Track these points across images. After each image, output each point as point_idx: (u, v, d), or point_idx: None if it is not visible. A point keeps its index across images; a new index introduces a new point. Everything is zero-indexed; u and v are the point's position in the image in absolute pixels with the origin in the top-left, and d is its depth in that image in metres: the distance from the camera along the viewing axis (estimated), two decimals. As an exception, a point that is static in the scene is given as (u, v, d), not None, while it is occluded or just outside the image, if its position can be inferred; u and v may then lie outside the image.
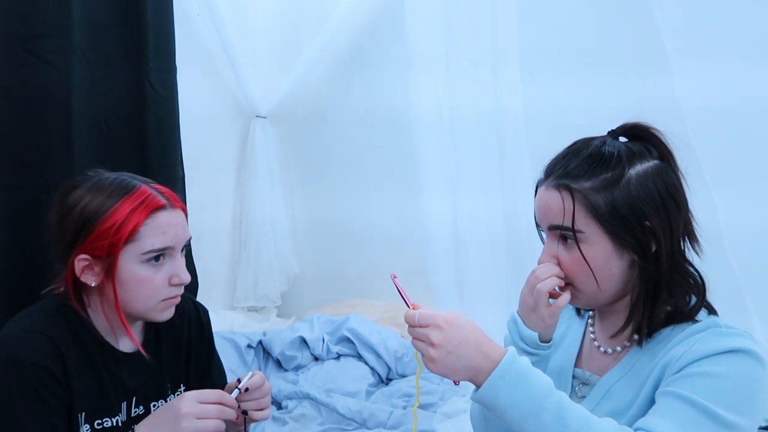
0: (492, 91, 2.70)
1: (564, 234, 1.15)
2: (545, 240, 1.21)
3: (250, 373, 1.36)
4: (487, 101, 2.70)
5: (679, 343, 1.11)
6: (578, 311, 1.33)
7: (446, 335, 1.03)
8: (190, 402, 1.24)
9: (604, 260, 1.14)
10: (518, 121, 2.70)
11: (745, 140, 2.34)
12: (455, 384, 1.07)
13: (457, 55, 2.71)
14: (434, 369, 1.05)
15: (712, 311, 1.17)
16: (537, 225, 1.24)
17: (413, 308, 1.09)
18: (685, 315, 1.14)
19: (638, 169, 1.14)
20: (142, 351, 1.37)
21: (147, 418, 1.31)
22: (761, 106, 2.25)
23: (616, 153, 1.15)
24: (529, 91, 2.71)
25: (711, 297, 1.18)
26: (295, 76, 3.44)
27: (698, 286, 1.17)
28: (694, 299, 1.17)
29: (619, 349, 1.21)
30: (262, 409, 1.36)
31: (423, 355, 1.06)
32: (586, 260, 1.13)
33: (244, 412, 1.34)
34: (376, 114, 3.39)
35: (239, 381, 1.34)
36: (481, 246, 2.73)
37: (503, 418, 1.04)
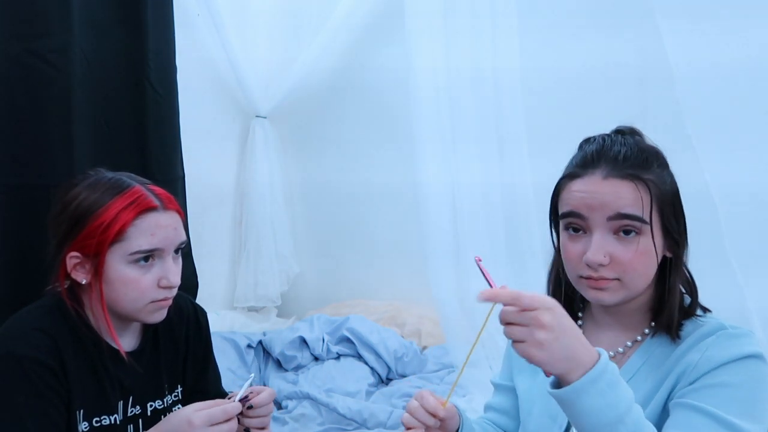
0: (489, 54, 2.69)
1: (629, 226, 1.10)
2: (594, 232, 1.12)
3: (249, 378, 1.35)
4: (485, 68, 2.69)
5: (691, 348, 1.11)
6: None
7: (557, 318, 0.96)
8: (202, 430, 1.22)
9: (656, 255, 1.13)
10: (515, 87, 2.68)
11: (735, 99, 2.35)
12: (546, 376, 0.99)
13: (454, 17, 2.70)
14: (537, 356, 0.96)
15: (705, 310, 1.18)
16: (574, 216, 1.14)
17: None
18: (683, 311, 1.15)
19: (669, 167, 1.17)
20: (124, 354, 1.36)
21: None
22: (753, 65, 2.25)
23: (655, 150, 1.16)
24: (526, 55, 2.69)
25: (708, 291, 1.19)
26: (295, 76, 3.44)
27: (691, 286, 1.18)
28: (687, 299, 1.18)
29: (620, 350, 1.20)
30: (263, 428, 1.35)
31: (525, 341, 0.96)
32: (657, 254, 1.11)
33: (246, 430, 1.33)
34: (375, 114, 3.40)
35: (234, 396, 1.33)
36: (478, 216, 2.73)
37: (576, 420, 1.00)
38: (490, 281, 1.03)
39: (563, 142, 1.22)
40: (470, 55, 2.70)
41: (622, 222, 1.11)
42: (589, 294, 1.16)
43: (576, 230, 1.15)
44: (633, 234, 1.11)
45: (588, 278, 1.14)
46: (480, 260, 1.08)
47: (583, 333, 1.25)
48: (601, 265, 1.11)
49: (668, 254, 1.15)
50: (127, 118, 2.26)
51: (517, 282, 2.58)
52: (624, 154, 1.13)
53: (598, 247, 1.11)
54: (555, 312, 0.97)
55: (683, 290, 1.18)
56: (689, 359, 1.10)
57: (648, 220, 1.11)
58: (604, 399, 0.96)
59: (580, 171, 1.15)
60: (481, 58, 2.70)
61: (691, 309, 1.16)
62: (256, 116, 3.56)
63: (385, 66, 3.26)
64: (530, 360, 0.97)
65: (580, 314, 1.29)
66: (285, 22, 3.55)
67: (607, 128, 1.22)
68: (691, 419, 1.05)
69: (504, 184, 2.70)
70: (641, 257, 1.11)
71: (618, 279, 1.12)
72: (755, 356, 1.08)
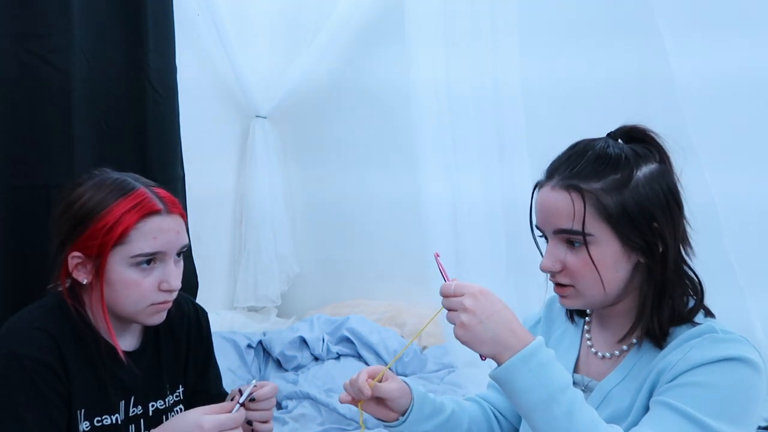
0: (491, 66, 2.68)
1: (571, 238, 1.14)
2: (548, 241, 1.18)
3: (253, 383, 1.34)
4: (486, 77, 2.68)
5: (675, 349, 1.11)
6: (571, 318, 1.31)
7: (480, 303, 1.05)
8: None
9: (612, 263, 1.13)
10: (516, 96, 2.67)
11: (740, 114, 2.33)
12: (482, 359, 1.07)
13: (454, 30, 2.70)
14: (462, 336, 1.06)
15: (709, 314, 1.17)
16: (537, 227, 1.21)
17: None
18: (682, 317, 1.14)
19: (644, 170, 1.14)
20: (122, 356, 1.36)
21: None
22: (757, 80, 2.24)
23: (623, 155, 1.14)
24: (527, 66, 2.68)
25: (710, 297, 1.17)
26: (296, 76, 3.44)
27: (696, 289, 1.17)
28: (691, 302, 1.16)
29: (617, 353, 1.20)
30: (266, 422, 1.35)
31: (454, 323, 1.07)
32: (595, 265, 1.12)
33: (249, 423, 1.33)
34: (376, 114, 3.40)
35: (240, 392, 1.32)
36: (480, 227, 2.72)
37: (515, 401, 1.05)
38: (445, 275, 1.15)
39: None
40: (470, 58, 2.70)
41: (563, 235, 1.15)
42: (558, 298, 1.22)
43: (547, 239, 1.20)
44: (578, 244, 1.13)
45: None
46: (438, 256, 1.20)
47: (588, 332, 1.26)
48: (553, 271, 1.17)
49: (642, 260, 1.14)
50: (127, 118, 2.26)
51: (517, 283, 2.58)
52: (576, 163, 1.15)
53: (548, 255, 1.17)
54: (478, 298, 1.06)
55: (690, 294, 1.16)
56: (670, 359, 1.10)
57: (582, 230, 1.12)
58: (536, 378, 1.02)
59: (542, 180, 1.19)
60: (480, 62, 2.69)
61: (690, 315, 1.14)
62: (256, 116, 3.56)
63: (385, 66, 3.25)
64: (459, 341, 1.07)
65: (588, 311, 1.29)
66: (285, 22, 3.55)
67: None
68: (663, 416, 1.05)
69: (504, 191, 2.69)
70: (588, 265, 1.13)
71: (572, 286, 1.16)
72: (739, 359, 1.06)
